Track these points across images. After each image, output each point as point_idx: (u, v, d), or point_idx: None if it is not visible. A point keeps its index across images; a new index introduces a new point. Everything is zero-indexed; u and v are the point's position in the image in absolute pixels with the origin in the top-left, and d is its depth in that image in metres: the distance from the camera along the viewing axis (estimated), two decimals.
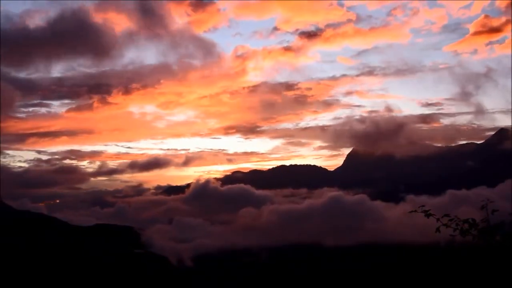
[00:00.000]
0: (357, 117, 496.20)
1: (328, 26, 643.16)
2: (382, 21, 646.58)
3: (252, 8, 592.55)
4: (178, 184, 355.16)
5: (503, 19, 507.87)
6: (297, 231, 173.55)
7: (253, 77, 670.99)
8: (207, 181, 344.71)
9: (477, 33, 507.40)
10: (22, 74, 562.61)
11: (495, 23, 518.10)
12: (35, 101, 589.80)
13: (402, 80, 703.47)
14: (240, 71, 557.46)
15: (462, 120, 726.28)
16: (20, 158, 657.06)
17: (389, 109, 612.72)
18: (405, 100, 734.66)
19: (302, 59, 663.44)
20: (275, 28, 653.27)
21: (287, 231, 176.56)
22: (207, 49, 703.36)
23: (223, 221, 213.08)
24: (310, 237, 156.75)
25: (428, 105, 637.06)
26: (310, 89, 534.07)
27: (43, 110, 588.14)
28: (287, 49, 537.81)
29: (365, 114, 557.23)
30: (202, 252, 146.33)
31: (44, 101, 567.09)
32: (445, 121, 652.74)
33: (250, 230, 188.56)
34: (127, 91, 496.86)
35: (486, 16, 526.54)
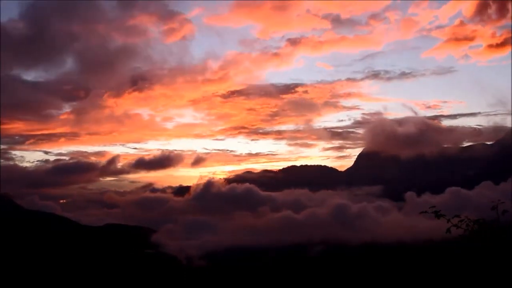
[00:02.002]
0: (389, 118, 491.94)
1: (310, 33, 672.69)
2: (362, 29, 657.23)
3: (222, 20, 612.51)
4: (189, 185, 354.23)
5: (478, 26, 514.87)
6: (302, 230, 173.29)
7: (244, 80, 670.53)
8: (217, 181, 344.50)
9: (450, 40, 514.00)
10: (30, 77, 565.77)
11: (467, 31, 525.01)
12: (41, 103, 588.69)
13: (397, 84, 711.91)
14: (224, 75, 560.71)
15: (464, 122, 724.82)
16: (27, 158, 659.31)
17: (414, 111, 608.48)
18: (402, 102, 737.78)
19: (291, 64, 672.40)
20: (255, 37, 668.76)
21: (294, 231, 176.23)
22: (189, 55, 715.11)
23: (233, 221, 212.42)
24: (315, 237, 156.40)
25: (427, 107, 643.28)
26: (306, 92, 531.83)
27: (48, 111, 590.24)
28: (275, 55, 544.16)
29: (367, 117, 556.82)
30: (212, 251, 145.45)
31: (50, 103, 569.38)
32: (447, 123, 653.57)
33: (261, 229, 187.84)
34: (119, 94, 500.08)
35: (462, 23, 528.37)
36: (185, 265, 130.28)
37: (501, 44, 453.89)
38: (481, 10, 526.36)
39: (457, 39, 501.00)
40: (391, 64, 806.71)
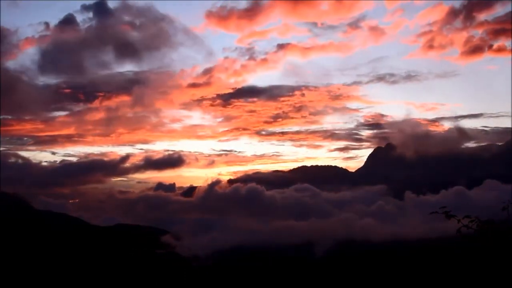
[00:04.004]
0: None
1: (293, 40, 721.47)
2: (344, 36, 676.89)
3: (199, 29, 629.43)
4: (199, 185, 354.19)
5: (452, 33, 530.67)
6: (309, 230, 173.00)
7: (235, 84, 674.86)
8: (226, 182, 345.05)
9: (425, 47, 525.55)
10: (37, 80, 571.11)
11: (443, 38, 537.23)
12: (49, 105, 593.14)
13: (392, 87, 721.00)
14: (210, 79, 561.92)
15: (467, 123, 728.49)
16: (35, 159, 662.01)
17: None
18: (401, 104, 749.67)
19: (284, 69, 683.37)
20: (236, 45, 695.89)
21: (301, 230, 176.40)
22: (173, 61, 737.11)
23: (242, 220, 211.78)
24: (323, 236, 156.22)
25: (427, 109, 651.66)
26: (303, 95, 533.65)
27: (55, 113, 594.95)
28: (264, 60, 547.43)
29: (370, 119, 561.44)
30: (222, 251, 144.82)
31: (57, 104, 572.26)
32: (450, 124, 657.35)
33: (270, 229, 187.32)
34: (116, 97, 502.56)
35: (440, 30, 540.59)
36: (194, 265, 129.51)
37: (475, 51, 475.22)
38: (453, 19, 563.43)
39: (431, 46, 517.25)
40: (387, 68, 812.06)
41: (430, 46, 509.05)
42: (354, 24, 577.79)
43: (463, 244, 9.57)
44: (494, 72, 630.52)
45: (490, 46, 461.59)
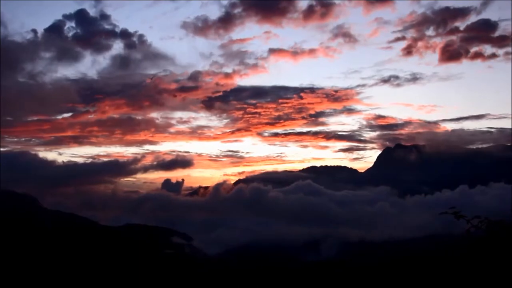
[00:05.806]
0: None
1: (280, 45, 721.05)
2: (329, 42, 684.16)
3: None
4: (207, 185, 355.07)
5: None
6: (313, 229, 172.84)
7: (231, 86, 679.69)
8: (235, 182, 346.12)
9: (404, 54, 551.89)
10: (42, 81, 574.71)
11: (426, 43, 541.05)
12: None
13: (391, 89, 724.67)
14: (201, 82, 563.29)
15: (469, 125, 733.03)
16: (42, 159, 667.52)
17: None
18: (401, 106, 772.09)
19: (278, 71, 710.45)
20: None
21: (308, 230, 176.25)
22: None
23: (251, 220, 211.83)
24: (331, 235, 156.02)
25: (428, 112, 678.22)
26: (303, 97, 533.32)
27: (60, 114, 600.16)
28: (255, 65, 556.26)
29: (373, 122, 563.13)
30: (231, 251, 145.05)
31: (62, 105, 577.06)
32: (453, 125, 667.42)
33: (278, 229, 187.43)
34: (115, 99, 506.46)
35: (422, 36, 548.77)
36: (203, 265, 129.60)
37: (455, 56, 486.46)
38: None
39: (410, 52, 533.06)
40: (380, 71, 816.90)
41: (408, 52, 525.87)
42: (336, 30, 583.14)
43: (470, 244, 9.49)
44: (491, 74, 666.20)
45: (467, 52, 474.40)
